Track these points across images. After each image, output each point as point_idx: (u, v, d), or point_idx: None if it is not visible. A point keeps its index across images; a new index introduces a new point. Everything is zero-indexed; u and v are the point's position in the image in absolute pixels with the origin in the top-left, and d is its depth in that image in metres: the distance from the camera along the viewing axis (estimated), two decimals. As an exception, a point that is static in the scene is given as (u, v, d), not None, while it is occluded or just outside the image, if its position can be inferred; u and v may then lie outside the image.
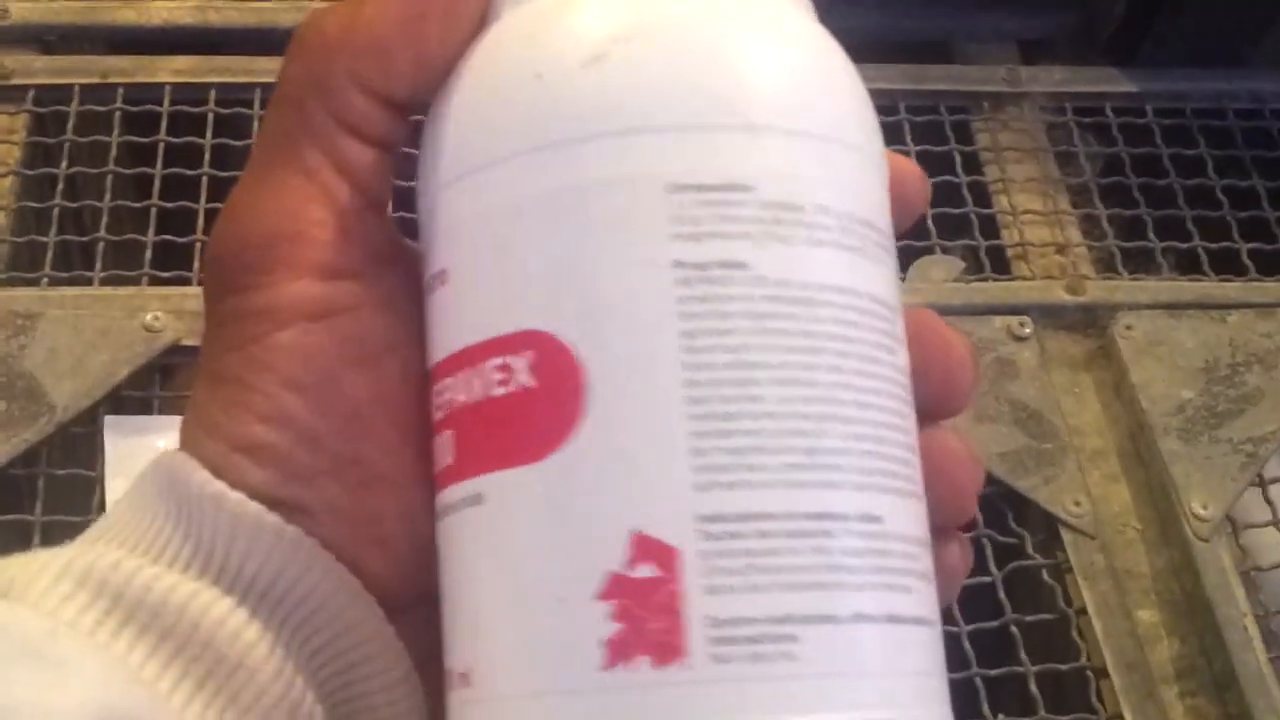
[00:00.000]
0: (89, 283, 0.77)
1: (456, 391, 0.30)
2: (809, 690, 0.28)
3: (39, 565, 0.30)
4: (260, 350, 0.31)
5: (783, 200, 0.29)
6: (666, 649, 0.27)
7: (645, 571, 0.28)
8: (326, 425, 0.31)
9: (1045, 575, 0.70)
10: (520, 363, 0.29)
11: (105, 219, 0.80)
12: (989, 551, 0.70)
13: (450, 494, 0.30)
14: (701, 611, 0.28)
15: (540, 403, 0.29)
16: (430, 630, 0.32)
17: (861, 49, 0.93)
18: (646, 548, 0.28)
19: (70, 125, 0.84)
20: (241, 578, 0.31)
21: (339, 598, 0.31)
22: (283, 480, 0.31)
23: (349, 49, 0.32)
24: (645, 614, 0.28)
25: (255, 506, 0.31)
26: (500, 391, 0.29)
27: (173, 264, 0.78)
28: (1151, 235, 0.85)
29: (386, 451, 0.32)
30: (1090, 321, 0.79)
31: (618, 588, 0.28)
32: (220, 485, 0.31)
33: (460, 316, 0.30)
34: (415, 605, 0.32)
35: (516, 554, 0.29)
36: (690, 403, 0.28)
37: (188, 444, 0.32)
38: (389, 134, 0.33)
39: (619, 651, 0.28)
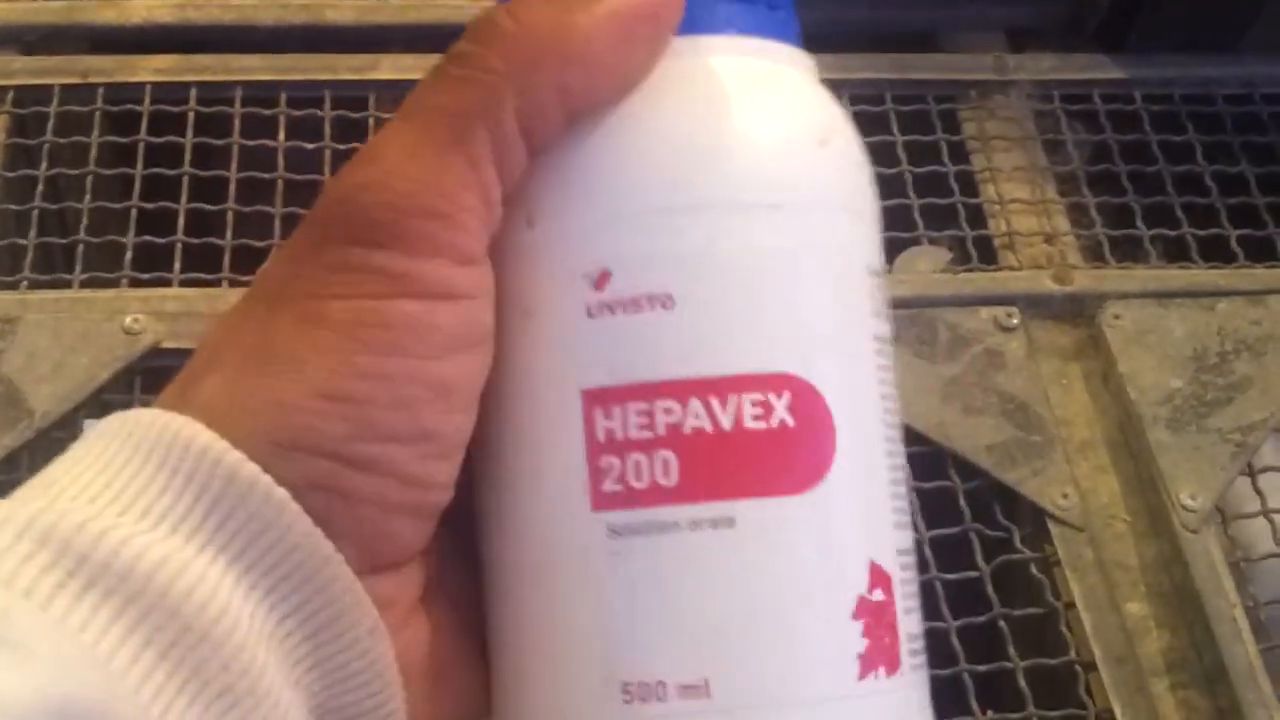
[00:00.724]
0: (68, 285, 0.76)
1: (685, 415, 0.32)
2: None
3: None
4: (379, 309, 0.32)
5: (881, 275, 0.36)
6: (893, 661, 0.33)
7: (879, 596, 0.33)
8: (418, 396, 0.32)
9: (1033, 569, 0.69)
10: (780, 402, 0.32)
11: (85, 220, 0.79)
12: (976, 546, 0.70)
13: (668, 513, 0.32)
14: (904, 629, 0.33)
15: (800, 441, 0.32)
16: (418, 584, 0.34)
17: (848, 39, 0.93)
18: (878, 575, 0.33)
19: (50, 126, 0.83)
20: (216, 539, 0.30)
21: (313, 561, 0.31)
22: (359, 436, 0.31)
23: (560, 55, 0.32)
24: (881, 631, 0.32)
25: (251, 467, 0.30)
26: (758, 425, 0.32)
27: (153, 265, 0.78)
28: (1140, 223, 0.84)
29: (455, 429, 0.33)
30: (1078, 311, 0.79)
31: (864, 609, 0.32)
32: (221, 443, 0.30)
33: (696, 345, 0.32)
34: (411, 562, 0.34)
35: (781, 576, 0.32)
36: (887, 455, 0.34)
37: (235, 374, 0.31)
38: (549, 141, 0.33)
39: (867, 664, 0.32)
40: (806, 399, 0.32)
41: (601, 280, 0.33)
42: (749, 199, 0.33)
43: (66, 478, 0.31)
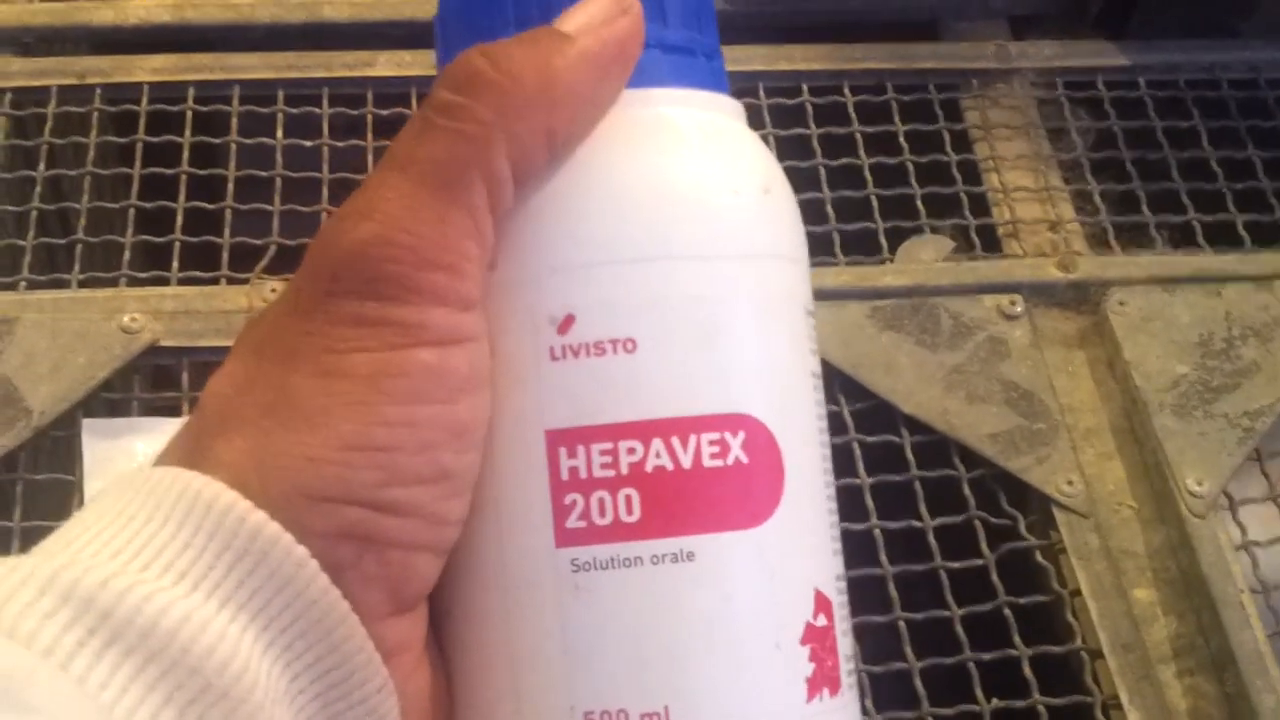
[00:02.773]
0: (66, 285, 0.76)
1: (647, 455, 0.33)
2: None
3: (20, 577, 0.30)
4: (398, 359, 0.32)
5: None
6: (834, 682, 0.35)
7: (822, 621, 0.35)
8: (439, 440, 0.33)
9: (1039, 556, 0.69)
10: (735, 441, 0.34)
11: (83, 220, 0.79)
12: (981, 534, 0.69)
13: (631, 549, 0.33)
14: (842, 651, 0.35)
15: (754, 477, 0.34)
16: (424, 625, 0.35)
17: (848, 29, 0.92)
18: (822, 602, 0.35)
19: (48, 127, 0.83)
20: (237, 596, 0.31)
21: (329, 619, 0.32)
22: (389, 482, 0.32)
23: (546, 102, 0.34)
24: (824, 655, 0.35)
25: (274, 525, 0.31)
26: (716, 463, 0.34)
27: (151, 264, 0.77)
28: (1145, 209, 0.83)
29: (468, 467, 0.34)
30: (1083, 298, 0.78)
31: (810, 635, 0.34)
32: (244, 502, 0.31)
33: (656, 387, 0.34)
34: (422, 603, 0.34)
35: (735, 606, 0.33)
36: (825, 486, 0.36)
37: (259, 432, 0.32)
38: (534, 180, 0.34)
39: (814, 686, 0.34)
40: (759, 437, 0.34)
41: (565, 325, 0.34)
42: (706, 250, 0.35)
43: (87, 534, 0.31)
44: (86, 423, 0.69)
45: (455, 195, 0.33)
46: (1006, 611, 0.66)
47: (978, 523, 0.69)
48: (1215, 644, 0.64)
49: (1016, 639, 0.65)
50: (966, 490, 0.70)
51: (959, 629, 0.66)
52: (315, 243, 0.34)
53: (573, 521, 0.33)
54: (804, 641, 0.34)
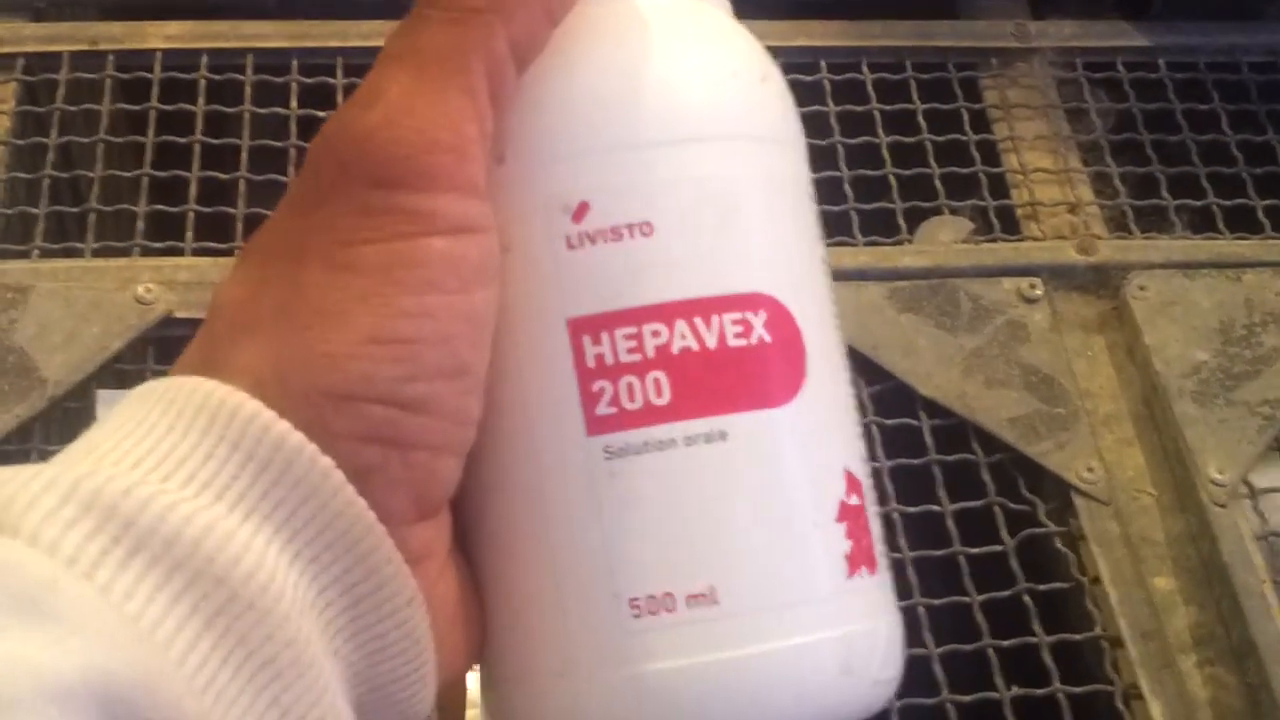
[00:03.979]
0: (80, 254, 0.75)
1: (673, 337, 0.33)
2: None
3: (42, 484, 0.29)
4: (412, 249, 0.32)
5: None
6: (871, 560, 0.35)
7: (855, 500, 0.35)
8: (457, 331, 0.32)
9: (1058, 543, 0.68)
10: (757, 320, 0.34)
11: (97, 189, 0.78)
12: (1000, 520, 0.69)
13: (664, 431, 0.33)
14: (874, 532, 0.36)
15: (778, 356, 0.34)
16: (449, 530, 0.34)
17: (867, 6, 0.91)
18: (852, 481, 0.35)
19: (61, 94, 0.82)
20: (261, 507, 0.30)
21: (355, 530, 0.31)
22: (412, 376, 0.31)
23: None
24: (860, 533, 0.35)
25: (297, 435, 0.30)
26: (740, 343, 0.34)
27: (165, 234, 0.77)
28: (1165, 193, 0.83)
29: (482, 362, 0.33)
30: (1102, 282, 0.78)
31: (845, 512, 0.34)
32: (267, 411, 0.30)
33: (676, 269, 0.34)
34: (445, 507, 0.34)
35: (771, 484, 0.34)
36: (844, 369, 0.36)
37: (274, 333, 0.31)
38: (537, 67, 0.34)
39: (854, 563, 0.34)
40: (779, 316, 0.34)
41: (579, 212, 0.34)
42: (716, 131, 0.35)
43: (108, 443, 0.30)
44: (101, 394, 0.69)
45: (454, 79, 0.32)
46: (1026, 598, 0.66)
47: (996, 508, 0.69)
48: (1236, 634, 0.64)
49: (1036, 626, 0.65)
50: (985, 475, 0.70)
51: (978, 615, 0.65)
52: (318, 138, 0.33)
53: (602, 408, 0.33)
54: (839, 519, 0.34)
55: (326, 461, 0.30)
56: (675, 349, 0.33)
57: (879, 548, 0.36)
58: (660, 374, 0.33)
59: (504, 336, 0.34)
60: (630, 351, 0.33)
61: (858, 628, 0.34)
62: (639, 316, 0.33)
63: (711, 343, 0.33)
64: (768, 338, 0.34)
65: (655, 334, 0.33)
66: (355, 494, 0.31)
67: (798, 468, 0.34)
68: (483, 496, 0.35)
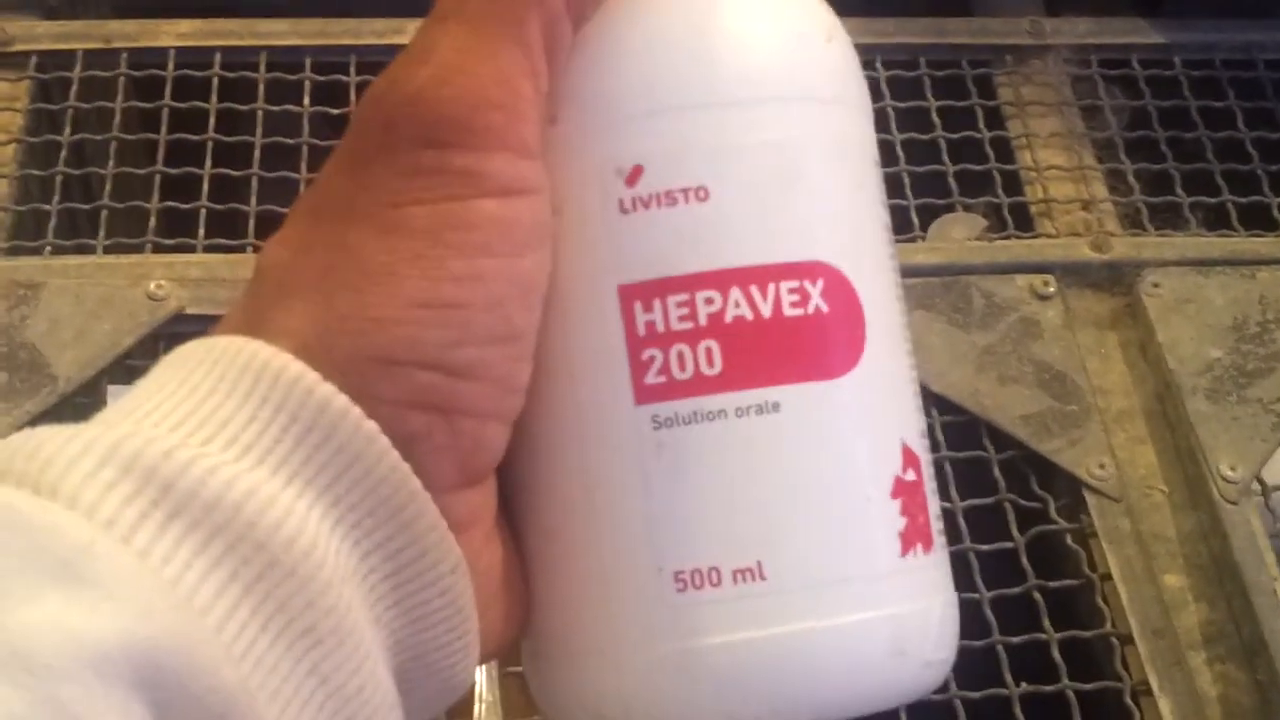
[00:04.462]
0: (92, 251, 0.75)
1: (726, 305, 0.32)
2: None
3: (81, 445, 0.28)
4: (462, 210, 0.31)
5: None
6: (927, 539, 0.34)
7: (911, 476, 0.34)
8: (507, 295, 0.31)
9: (1069, 540, 0.68)
10: (814, 289, 0.33)
11: (109, 186, 0.78)
12: (1011, 516, 0.68)
13: (714, 401, 0.32)
14: (932, 510, 0.35)
15: (836, 326, 0.33)
16: (495, 497, 0.33)
17: (882, 3, 0.91)
18: (910, 456, 0.34)
19: (74, 91, 0.83)
20: (304, 472, 0.29)
21: (399, 496, 0.30)
22: (461, 341, 0.31)
23: None
24: (916, 510, 0.34)
25: (342, 398, 0.29)
26: (797, 312, 0.33)
27: (177, 231, 0.77)
28: (1179, 190, 0.83)
29: (533, 327, 0.32)
30: (1116, 279, 0.77)
31: (900, 488, 0.33)
32: (312, 373, 0.30)
33: (731, 236, 0.33)
34: (491, 475, 0.33)
35: (824, 457, 0.33)
36: (905, 340, 0.35)
37: (320, 296, 0.31)
38: (593, 24, 0.33)
39: (908, 541, 0.33)
40: (838, 286, 0.33)
41: (634, 175, 0.33)
42: (775, 93, 0.34)
43: (150, 403, 0.30)
44: (112, 390, 0.69)
45: (508, 34, 0.31)
46: (1036, 595, 0.66)
47: (1008, 505, 0.69)
48: (1247, 631, 0.64)
49: (1046, 623, 0.65)
50: (996, 472, 0.70)
51: (988, 611, 0.65)
52: (366, 97, 0.32)
53: (652, 377, 0.33)
54: (894, 495, 0.33)
55: (371, 426, 0.30)
56: (729, 317, 0.32)
57: (936, 525, 0.35)
58: (712, 343, 0.32)
59: (553, 301, 0.33)
60: (682, 320, 0.33)
61: (910, 607, 0.33)
62: (692, 283, 0.33)
63: (766, 311, 0.32)
64: (825, 307, 0.33)
65: (709, 301, 0.32)
66: (400, 459, 0.30)
67: (852, 441, 0.33)
68: (528, 464, 0.34)
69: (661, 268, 0.33)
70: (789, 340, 0.33)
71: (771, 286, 0.33)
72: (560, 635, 0.34)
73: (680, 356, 0.32)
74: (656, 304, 0.33)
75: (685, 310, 0.32)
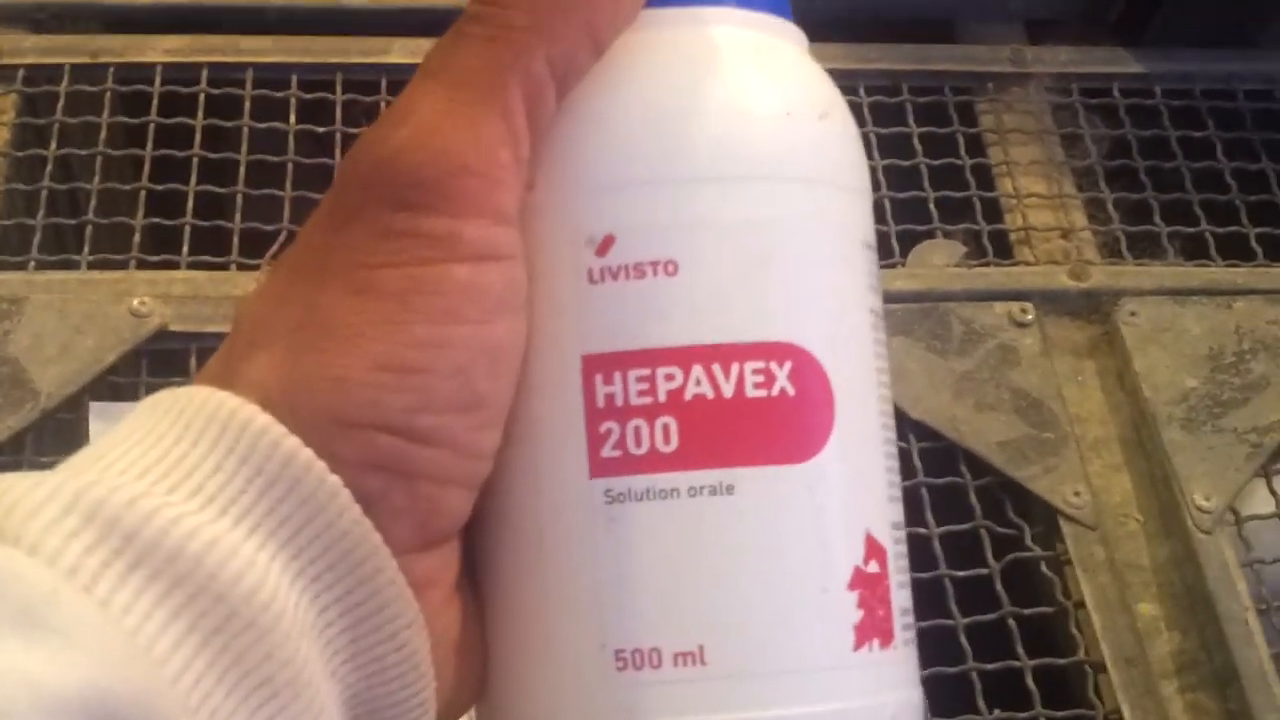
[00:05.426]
0: (77, 266, 0.76)
1: (687, 382, 0.32)
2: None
3: (45, 492, 0.28)
4: (431, 275, 0.31)
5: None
6: (886, 634, 0.33)
7: (874, 568, 0.33)
8: (473, 363, 0.31)
9: (1044, 567, 0.69)
10: (781, 371, 0.32)
11: (94, 201, 0.79)
12: (986, 543, 0.69)
13: (667, 479, 0.32)
14: (898, 603, 0.34)
15: (801, 410, 0.32)
16: (457, 562, 0.33)
17: (864, 28, 0.92)
18: (874, 548, 0.33)
19: (60, 106, 0.83)
20: (266, 524, 0.29)
21: (360, 551, 0.30)
22: (421, 407, 0.31)
23: None
24: (875, 603, 0.33)
25: (307, 452, 0.30)
26: (760, 394, 0.32)
27: (161, 247, 0.77)
28: (1158, 219, 0.83)
29: (502, 395, 0.32)
30: (1094, 308, 0.78)
31: (859, 580, 0.33)
32: (278, 426, 0.30)
33: (700, 312, 0.32)
34: (453, 538, 0.33)
35: (777, 544, 0.32)
36: (882, 428, 0.34)
37: (287, 352, 0.31)
38: (576, 91, 0.33)
39: (862, 635, 0.32)
40: (807, 369, 0.33)
41: (605, 246, 0.33)
42: (755, 171, 0.33)
43: (115, 452, 0.30)
44: (94, 406, 0.69)
45: (490, 99, 0.31)
46: (1010, 622, 0.66)
47: (983, 531, 0.69)
48: (1219, 660, 0.64)
49: (1020, 650, 0.65)
50: (973, 498, 0.70)
51: (962, 638, 0.65)
52: (348, 156, 0.32)
53: (608, 450, 0.32)
54: (852, 587, 0.32)
55: (335, 481, 0.30)
56: (689, 395, 0.32)
57: (901, 620, 0.34)
58: (670, 420, 0.32)
59: (522, 366, 0.33)
60: (641, 394, 0.32)
61: (860, 703, 0.33)
62: (654, 358, 0.32)
63: (728, 391, 0.32)
64: (791, 390, 0.32)
65: (669, 378, 0.32)
66: (361, 515, 0.30)
67: (808, 529, 0.32)
68: (489, 529, 0.34)
69: (624, 340, 0.32)
70: (749, 422, 0.32)
71: (735, 366, 0.32)
72: (509, 704, 0.34)
73: (637, 431, 0.32)
74: (617, 377, 0.32)
75: (645, 385, 0.32)
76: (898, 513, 0.35)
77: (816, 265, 0.33)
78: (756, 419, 0.32)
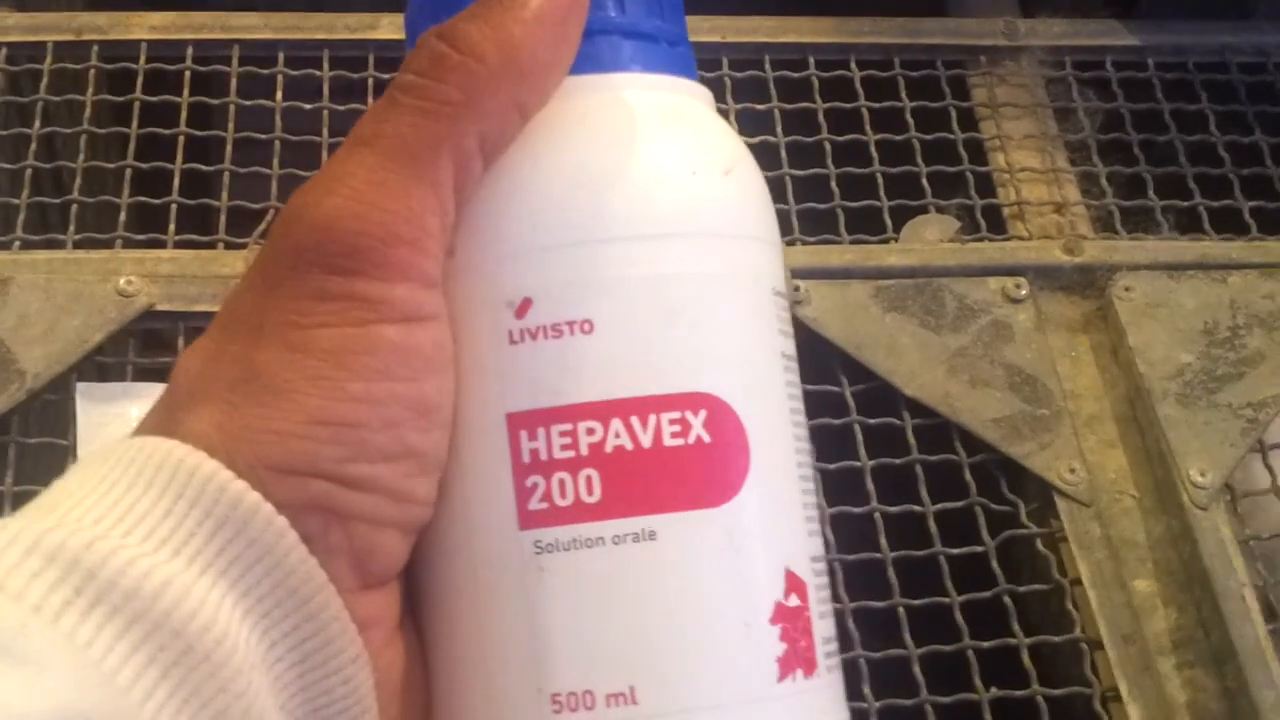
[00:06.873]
0: (62, 245, 0.75)
1: (606, 435, 0.34)
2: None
3: (7, 537, 0.30)
4: (364, 335, 0.33)
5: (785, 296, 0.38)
6: (809, 663, 0.35)
7: (794, 601, 0.35)
8: (403, 418, 0.33)
9: (1039, 544, 0.68)
10: (696, 420, 0.34)
11: (79, 180, 0.78)
12: (981, 520, 0.68)
13: (592, 529, 0.34)
14: (819, 633, 0.36)
15: (716, 456, 0.34)
16: (399, 604, 0.35)
17: (856, 3, 0.91)
18: (794, 582, 0.35)
19: (44, 84, 0.82)
20: (217, 564, 0.31)
21: (306, 588, 0.32)
22: (353, 458, 0.32)
23: (513, 76, 0.34)
24: (797, 635, 0.35)
25: (254, 495, 0.31)
26: (677, 443, 0.34)
27: (147, 226, 0.76)
28: (1151, 194, 0.83)
29: (435, 446, 0.34)
30: (1088, 283, 0.77)
31: (781, 614, 0.34)
32: (225, 471, 0.31)
33: (616, 368, 0.34)
34: (394, 580, 0.35)
35: (700, 584, 0.34)
36: (798, 466, 0.36)
37: (227, 406, 0.32)
38: (502, 153, 0.35)
39: (786, 667, 0.34)
40: (722, 416, 0.34)
41: (523, 308, 0.34)
42: (662, 229, 0.35)
43: (69, 500, 0.31)
44: (80, 386, 0.69)
45: (421, 171, 0.33)
46: (1006, 599, 0.66)
47: (978, 508, 0.69)
48: (1216, 637, 0.64)
49: (1016, 627, 0.65)
50: (967, 475, 0.70)
51: (958, 616, 0.65)
52: (280, 217, 0.34)
53: (535, 503, 0.34)
54: (774, 621, 0.34)
55: (281, 522, 0.32)
56: (609, 447, 0.34)
57: (823, 649, 0.36)
58: (593, 472, 0.34)
59: (454, 424, 0.35)
60: (564, 449, 0.34)
61: None
62: (575, 414, 0.34)
63: (646, 442, 0.34)
64: (706, 437, 0.34)
65: (590, 431, 0.34)
66: (307, 553, 0.32)
67: (729, 568, 0.34)
68: (428, 576, 0.36)
69: (546, 398, 0.34)
70: (668, 470, 0.34)
71: (653, 417, 0.34)
72: None
73: (562, 484, 0.34)
74: (541, 432, 0.34)
75: (568, 440, 0.34)
76: (817, 546, 0.37)
77: (727, 316, 0.35)
78: (675, 467, 0.34)
